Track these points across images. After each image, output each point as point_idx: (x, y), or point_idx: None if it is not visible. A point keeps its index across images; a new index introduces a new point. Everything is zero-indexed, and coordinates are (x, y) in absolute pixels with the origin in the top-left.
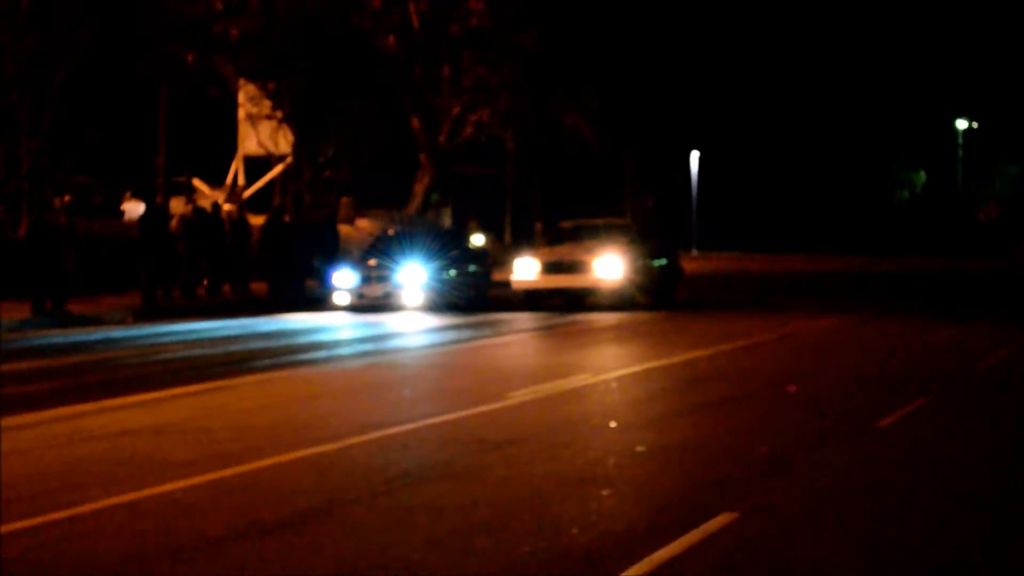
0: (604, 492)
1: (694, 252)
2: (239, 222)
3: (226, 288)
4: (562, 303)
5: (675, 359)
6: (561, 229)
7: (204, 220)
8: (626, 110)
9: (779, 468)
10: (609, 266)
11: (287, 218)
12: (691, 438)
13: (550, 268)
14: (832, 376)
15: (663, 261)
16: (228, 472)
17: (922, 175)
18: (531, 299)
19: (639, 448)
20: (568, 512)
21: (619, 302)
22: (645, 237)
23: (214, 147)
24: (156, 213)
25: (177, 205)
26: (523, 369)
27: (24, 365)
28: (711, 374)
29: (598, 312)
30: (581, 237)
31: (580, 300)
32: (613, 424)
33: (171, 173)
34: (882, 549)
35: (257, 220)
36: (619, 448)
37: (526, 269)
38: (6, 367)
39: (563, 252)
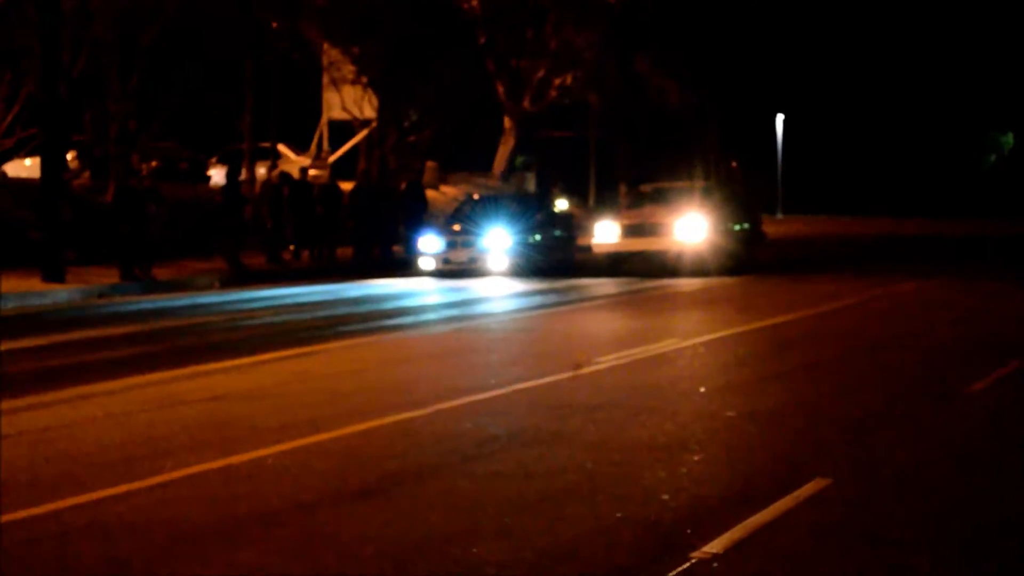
0: (695, 457)
1: (779, 216)
2: (329, 187)
3: (311, 253)
4: (643, 266)
5: (762, 323)
6: (641, 192)
7: (290, 185)
8: (712, 72)
9: (870, 433)
10: (690, 228)
11: (373, 183)
12: (781, 403)
13: (630, 231)
14: (921, 340)
15: (745, 225)
16: (319, 437)
17: (1010, 138)
18: (612, 262)
19: (729, 413)
20: (659, 477)
21: (700, 265)
22: (726, 200)
23: (299, 112)
24: (237, 178)
25: (263, 170)
26: (610, 334)
27: (113, 330)
28: (799, 338)
29: (680, 277)
30: (661, 200)
31: (661, 263)
32: (702, 389)
33: (257, 138)
34: (975, 518)
35: (346, 185)
36: (708, 413)
37: (606, 232)
38: (95, 332)
39: (643, 215)
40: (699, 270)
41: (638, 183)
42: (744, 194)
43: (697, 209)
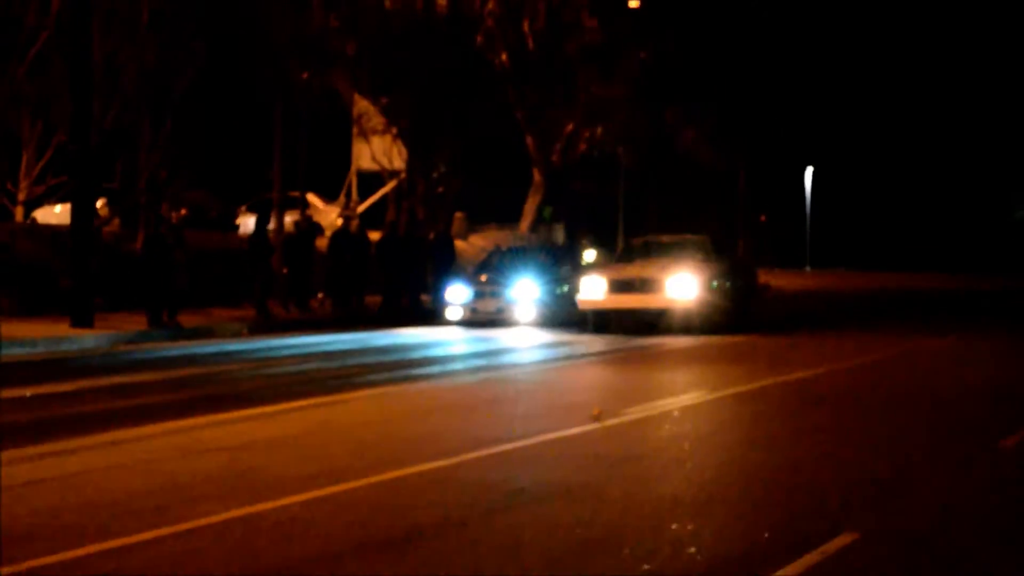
0: (722, 511)
1: (808, 269)
2: (359, 237)
3: (339, 302)
4: (631, 325)
5: (789, 377)
6: (631, 245)
7: (312, 234)
8: (740, 126)
9: (900, 488)
10: (682, 285)
11: (401, 233)
12: (809, 456)
13: (618, 287)
14: (953, 395)
15: (739, 280)
16: (344, 487)
17: None
18: (598, 320)
19: (754, 467)
20: (686, 531)
21: (694, 324)
22: (721, 254)
23: (328, 162)
24: (266, 227)
25: (290, 220)
26: (638, 386)
27: (140, 377)
28: (827, 392)
29: (678, 335)
30: (653, 254)
31: (651, 321)
32: (729, 442)
33: (286, 188)
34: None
35: (374, 235)
36: (734, 467)
37: (592, 288)
38: (123, 379)
39: (633, 270)
40: (691, 328)
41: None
42: (733, 247)
43: (690, 263)
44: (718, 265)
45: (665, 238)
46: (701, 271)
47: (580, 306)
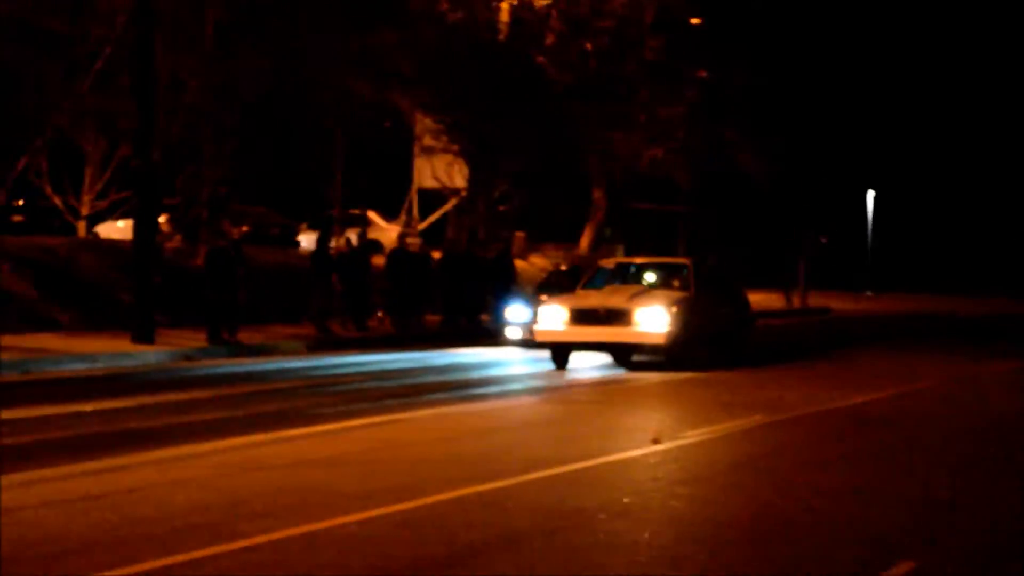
0: (778, 536)
1: (868, 293)
2: (419, 255)
3: (397, 321)
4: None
5: (844, 403)
6: (600, 269)
7: (368, 252)
8: (802, 147)
9: (959, 516)
10: (653, 317)
11: (462, 251)
12: (866, 482)
13: (580, 317)
14: (1015, 421)
15: (726, 310)
16: (402, 506)
17: None
18: (558, 356)
19: (812, 491)
20: (743, 555)
21: (669, 360)
22: (705, 280)
23: (389, 180)
24: (328, 244)
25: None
26: (696, 408)
27: (200, 394)
28: (882, 417)
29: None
30: (624, 280)
31: (622, 356)
32: (786, 466)
33: (347, 205)
34: None
35: (435, 254)
36: (791, 491)
37: (550, 318)
38: (182, 395)
39: (597, 298)
40: (668, 364)
41: (726, 255)
42: (724, 272)
43: (665, 291)
44: (700, 294)
45: (640, 261)
46: (676, 301)
47: (537, 338)
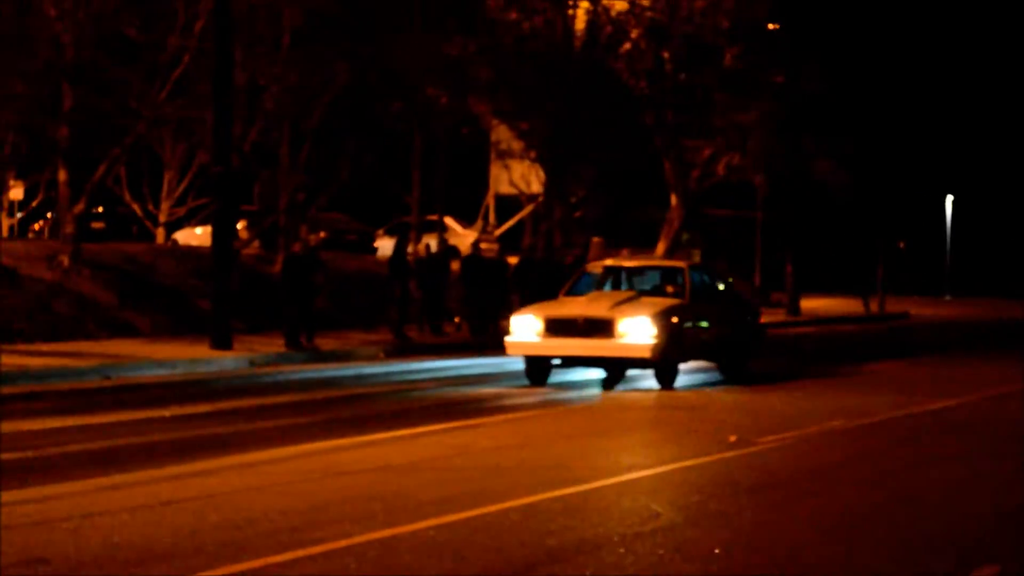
0: (858, 541)
1: (947, 297)
2: (495, 261)
3: (474, 326)
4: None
5: (926, 407)
6: (587, 274)
7: (447, 258)
8: (879, 152)
9: None
10: (638, 328)
11: (539, 257)
12: (945, 485)
13: (556, 328)
14: None
15: (728, 322)
16: (480, 511)
17: None
18: (533, 370)
19: (889, 496)
20: (823, 559)
21: (657, 377)
22: (703, 287)
23: (466, 186)
24: (405, 250)
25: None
26: (771, 414)
27: (278, 399)
28: (957, 424)
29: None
30: (609, 285)
31: (612, 371)
32: (864, 470)
33: (424, 211)
34: None
35: (512, 259)
36: (872, 495)
37: (523, 328)
38: (260, 400)
39: (579, 306)
40: (660, 379)
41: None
42: (728, 277)
43: (655, 299)
44: (696, 301)
45: (630, 264)
46: (666, 310)
47: (508, 351)
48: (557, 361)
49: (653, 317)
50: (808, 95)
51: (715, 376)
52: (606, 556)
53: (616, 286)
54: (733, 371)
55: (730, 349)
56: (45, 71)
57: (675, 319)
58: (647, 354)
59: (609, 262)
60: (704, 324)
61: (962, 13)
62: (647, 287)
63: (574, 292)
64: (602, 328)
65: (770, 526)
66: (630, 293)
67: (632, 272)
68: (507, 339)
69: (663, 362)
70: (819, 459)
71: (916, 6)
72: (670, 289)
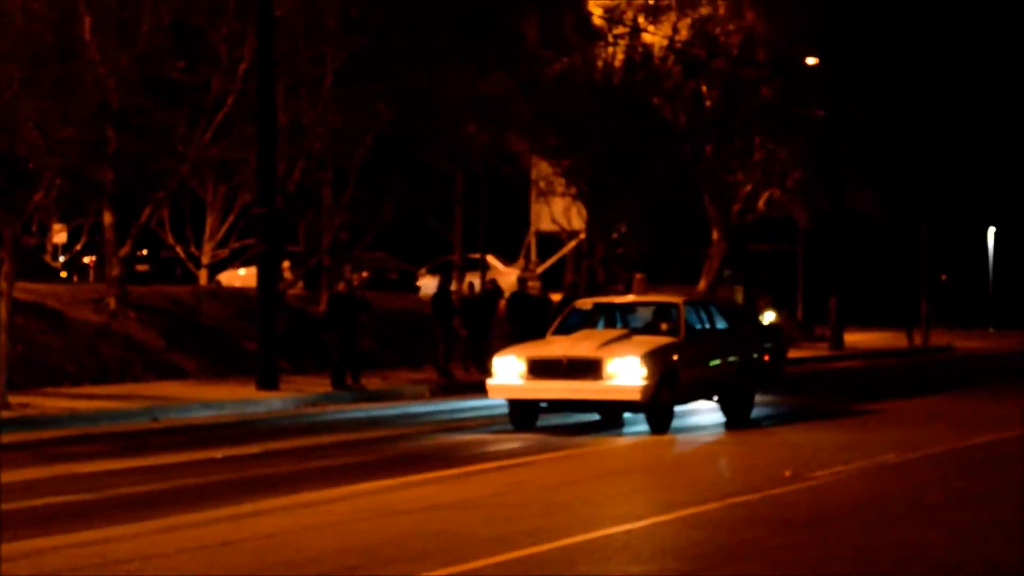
0: (919, 570)
1: (991, 330)
2: (539, 298)
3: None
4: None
5: (974, 441)
6: (576, 311)
7: (495, 297)
8: (921, 185)
9: None
10: (626, 369)
11: (581, 294)
12: (1012, 519)
13: (540, 369)
14: None
15: (730, 358)
16: (535, 549)
17: None
18: (517, 415)
19: (954, 530)
20: None
21: (649, 422)
22: (700, 323)
23: (507, 223)
24: (448, 288)
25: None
26: (824, 447)
27: (327, 439)
28: (1009, 457)
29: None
30: (603, 322)
31: (606, 415)
32: (926, 503)
33: (466, 249)
34: None
35: (555, 296)
36: (934, 528)
37: (505, 370)
38: (309, 440)
39: (564, 345)
40: (651, 425)
41: (846, 294)
42: (738, 311)
43: (646, 338)
44: (692, 339)
45: (620, 300)
46: (657, 349)
47: (490, 394)
48: (544, 405)
49: (643, 357)
50: (848, 127)
51: (766, 411)
52: None
53: (609, 324)
54: (734, 412)
55: (731, 389)
56: (90, 115)
57: (666, 358)
58: (637, 396)
59: (599, 299)
60: (701, 363)
61: (1003, 46)
62: (640, 325)
63: (563, 331)
64: (588, 369)
65: (831, 560)
66: (621, 331)
67: (624, 309)
68: (489, 382)
69: (654, 405)
70: (876, 492)
71: (954, 39)
72: (664, 327)
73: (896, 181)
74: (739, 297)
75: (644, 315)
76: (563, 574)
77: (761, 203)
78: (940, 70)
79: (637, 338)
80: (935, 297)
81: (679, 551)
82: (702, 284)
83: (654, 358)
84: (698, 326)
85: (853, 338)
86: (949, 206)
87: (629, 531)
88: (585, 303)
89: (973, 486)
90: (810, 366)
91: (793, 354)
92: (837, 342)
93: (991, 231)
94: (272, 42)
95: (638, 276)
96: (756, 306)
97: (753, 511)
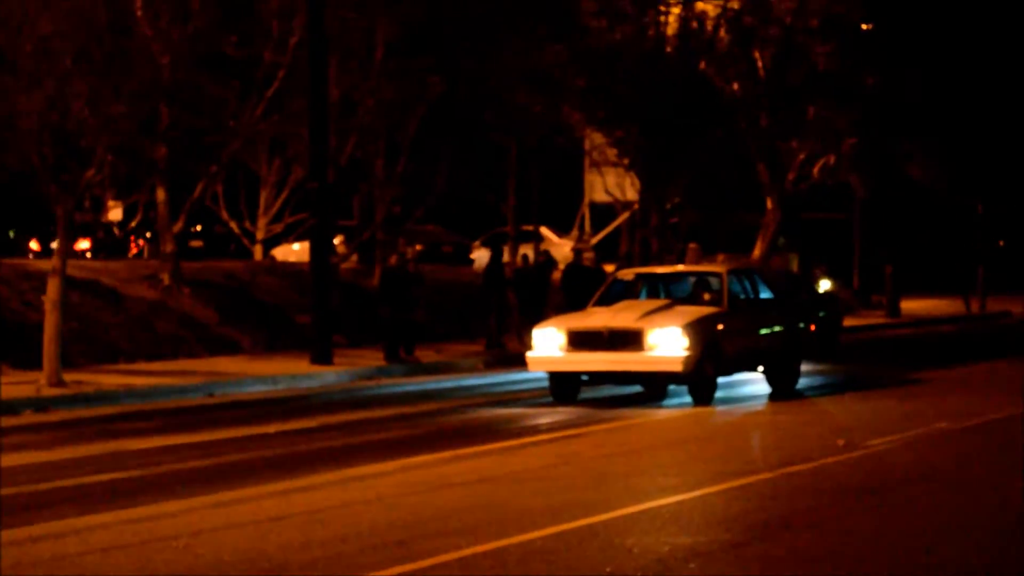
0: (971, 544)
1: None
2: (593, 269)
3: None
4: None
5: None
6: (618, 282)
7: (548, 268)
8: (977, 151)
9: None
10: (668, 340)
11: (635, 264)
12: None
13: (580, 341)
14: None
15: (774, 328)
16: (590, 520)
17: None
18: (558, 387)
19: (1007, 498)
20: (947, 561)
21: (691, 393)
22: (745, 292)
23: (561, 195)
24: (501, 261)
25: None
26: (880, 416)
27: (380, 412)
28: None
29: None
30: (645, 293)
31: (650, 386)
32: (977, 472)
33: (520, 221)
34: None
35: (608, 267)
36: (985, 497)
37: (546, 342)
38: (363, 414)
39: (605, 316)
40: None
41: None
42: (788, 281)
43: (688, 308)
44: (736, 309)
45: (663, 271)
46: (700, 319)
47: (530, 367)
48: (585, 377)
49: (685, 327)
50: (904, 94)
51: (806, 381)
52: (718, 563)
53: (652, 295)
54: (780, 383)
55: (776, 360)
56: (143, 92)
57: (709, 329)
58: (679, 367)
59: (641, 269)
60: (745, 333)
61: None
62: (683, 295)
63: (604, 302)
64: (629, 340)
65: (883, 530)
66: (663, 302)
67: (667, 279)
68: (528, 354)
69: (697, 376)
70: (929, 461)
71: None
72: (707, 297)
73: (952, 147)
74: (794, 266)
75: (688, 286)
76: (614, 545)
77: (815, 171)
78: (998, 32)
79: (679, 308)
80: (993, 263)
81: (730, 522)
82: (756, 253)
83: (696, 328)
84: (742, 296)
85: (910, 305)
86: (1006, 171)
87: (680, 502)
88: (627, 273)
89: (1013, 458)
90: (866, 334)
91: (849, 322)
92: (894, 309)
93: None
94: (323, 15)
95: (692, 246)
96: (812, 275)
97: (805, 481)
